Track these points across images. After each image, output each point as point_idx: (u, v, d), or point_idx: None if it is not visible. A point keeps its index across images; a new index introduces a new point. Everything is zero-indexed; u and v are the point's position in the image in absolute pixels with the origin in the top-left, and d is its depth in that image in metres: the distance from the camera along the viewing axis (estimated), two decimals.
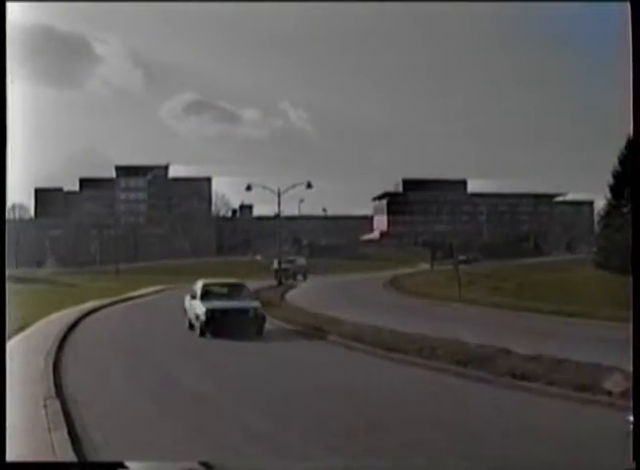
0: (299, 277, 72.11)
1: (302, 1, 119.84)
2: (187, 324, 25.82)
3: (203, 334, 23.65)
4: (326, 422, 10.93)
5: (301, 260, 76.60)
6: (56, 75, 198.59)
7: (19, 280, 52.03)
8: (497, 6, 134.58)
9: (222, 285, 28.65)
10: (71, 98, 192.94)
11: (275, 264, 68.68)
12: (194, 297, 25.76)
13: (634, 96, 6.83)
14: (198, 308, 24.44)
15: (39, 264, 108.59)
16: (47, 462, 8.02)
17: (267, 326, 24.54)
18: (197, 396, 13.91)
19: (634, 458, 6.18)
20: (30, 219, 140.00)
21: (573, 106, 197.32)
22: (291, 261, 74.04)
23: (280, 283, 60.73)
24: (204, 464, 5.05)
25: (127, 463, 5.10)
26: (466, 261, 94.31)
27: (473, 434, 9.87)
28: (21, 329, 23.65)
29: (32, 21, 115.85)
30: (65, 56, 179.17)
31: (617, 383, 11.59)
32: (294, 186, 66.75)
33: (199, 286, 26.39)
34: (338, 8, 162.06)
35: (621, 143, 46.27)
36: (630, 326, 6.69)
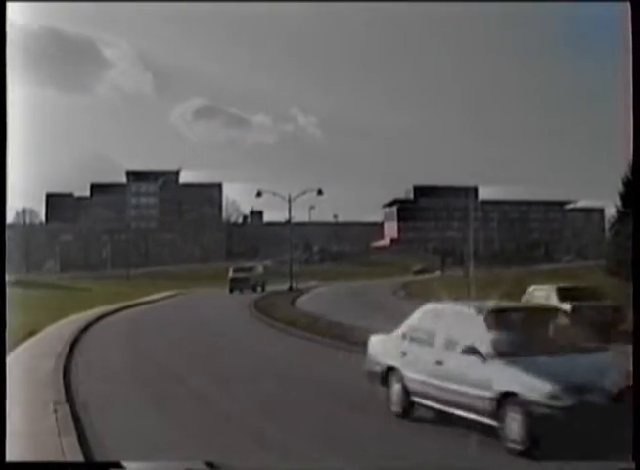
0: (259, 288, 58.25)
1: (313, 1, 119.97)
2: (397, 406, 11.55)
3: (532, 449, 9.16)
4: None
5: (259, 269, 64.21)
6: (65, 79, 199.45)
7: (28, 285, 52.26)
8: (506, 6, 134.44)
9: (526, 311, 12.83)
10: (80, 102, 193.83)
11: (230, 273, 61.02)
12: (453, 344, 10.76)
13: (634, 96, 6.78)
14: (501, 381, 9.75)
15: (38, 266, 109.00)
16: (47, 462, 8.01)
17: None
18: None
19: (634, 458, 6.14)
20: (41, 224, 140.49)
21: (584, 108, 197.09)
22: (250, 270, 63.18)
23: (231, 291, 57.33)
24: (208, 464, 5.02)
25: (124, 463, 5.08)
26: (420, 271, 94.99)
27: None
28: (30, 334, 23.61)
29: (41, 25, 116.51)
30: (74, 60, 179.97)
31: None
32: (304, 192, 66.88)
33: (469, 315, 11.09)
34: (348, 11, 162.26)
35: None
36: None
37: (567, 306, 19.82)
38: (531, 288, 25.19)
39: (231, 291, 58.06)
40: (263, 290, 57.08)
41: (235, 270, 62.05)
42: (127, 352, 21.64)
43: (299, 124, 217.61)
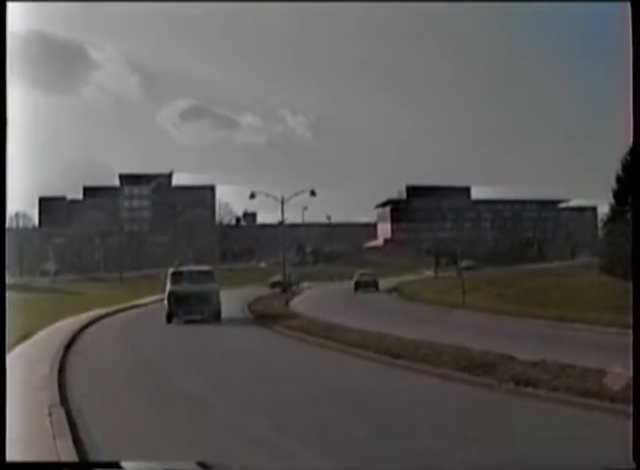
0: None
1: (302, 1, 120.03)
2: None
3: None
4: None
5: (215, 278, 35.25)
6: (51, 81, 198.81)
7: (21, 289, 52.19)
8: (501, 5, 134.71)
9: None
10: (67, 104, 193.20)
11: (169, 283, 33.43)
12: None
13: (634, 96, 6.79)
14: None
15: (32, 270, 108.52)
16: (47, 462, 8.03)
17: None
18: None
19: (634, 459, 6.15)
20: (34, 228, 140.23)
21: (577, 108, 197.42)
22: (206, 275, 34.96)
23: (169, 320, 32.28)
24: (201, 464, 5.03)
25: (123, 463, 5.08)
26: (279, 284, 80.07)
27: (476, 439, 9.81)
28: (24, 338, 23.59)
29: (28, 27, 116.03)
30: (60, 62, 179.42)
31: (616, 380, 11.59)
32: (297, 194, 66.96)
33: None
34: (337, 10, 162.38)
35: (625, 148, 45.93)
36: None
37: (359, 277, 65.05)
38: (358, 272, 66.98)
39: (169, 319, 32.56)
40: (218, 317, 32.62)
41: (175, 276, 34.14)
42: (125, 356, 21.56)
43: (289, 125, 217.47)
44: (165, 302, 33.03)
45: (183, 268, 36.68)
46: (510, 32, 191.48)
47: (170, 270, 34.85)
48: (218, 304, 33.00)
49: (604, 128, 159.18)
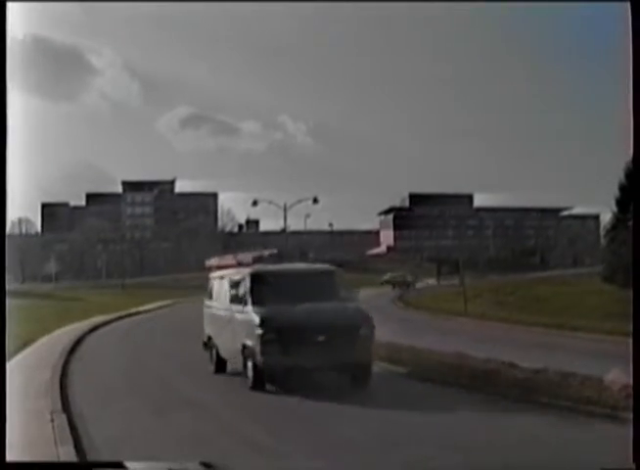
0: None
1: (305, 1, 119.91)
2: None
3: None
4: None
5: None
6: (51, 88, 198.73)
7: (23, 295, 52.19)
8: (501, 7, 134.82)
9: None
10: (68, 110, 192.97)
11: (251, 304, 15.33)
12: None
13: (634, 97, 6.79)
14: None
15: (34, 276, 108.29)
16: (47, 462, 8.04)
17: None
18: None
19: (634, 460, 6.16)
20: (36, 234, 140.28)
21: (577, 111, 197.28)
22: (318, 282, 16.42)
23: None
24: (204, 464, 5.05)
25: (127, 463, 5.10)
26: None
27: (477, 446, 9.83)
28: (24, 345, 23.54)
29: (26, 32, 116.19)
30: (60, 68, 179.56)
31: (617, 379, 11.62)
32: (300, 201, 66.79)
33: None
34: (338, 18, 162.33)
35: (628, 154, 45.79)
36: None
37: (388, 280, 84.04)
38: (387, 275, 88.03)
39: (260, 384, 14.64)
40: (365, 377, 15.02)
41: (263, 283, 15.89)
42: (128, 364, 21.53)
43: (290, 132, 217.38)
44: (256, 346, 14.68)
45: (275, 267, 17.87)
46: (509, 35, 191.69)
47: (248, 271, 16.74)
48: (370, 346, 15.34)
49: (605, 133, 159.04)
